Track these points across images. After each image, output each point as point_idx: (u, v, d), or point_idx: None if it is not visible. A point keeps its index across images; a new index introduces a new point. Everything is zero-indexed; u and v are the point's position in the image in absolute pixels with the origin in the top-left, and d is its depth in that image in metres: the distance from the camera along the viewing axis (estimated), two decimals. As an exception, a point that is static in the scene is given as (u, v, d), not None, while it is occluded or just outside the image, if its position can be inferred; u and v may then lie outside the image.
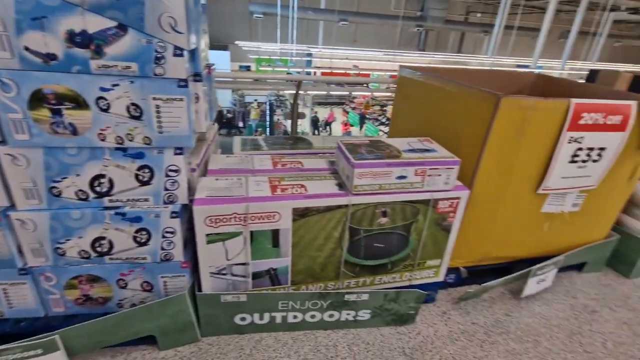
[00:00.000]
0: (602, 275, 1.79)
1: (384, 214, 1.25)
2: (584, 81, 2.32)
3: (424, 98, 1.70)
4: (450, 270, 1.58)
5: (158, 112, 0.99)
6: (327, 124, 14.23)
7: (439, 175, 1.24)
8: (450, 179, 1.26)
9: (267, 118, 12.53)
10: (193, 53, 1.08)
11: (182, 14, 0.90)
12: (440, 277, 1.47)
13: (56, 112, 0.94)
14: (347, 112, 14.65)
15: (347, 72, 15.32)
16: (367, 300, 1.30)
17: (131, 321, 1.15)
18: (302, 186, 1.23)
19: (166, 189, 1.11)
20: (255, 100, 14.84)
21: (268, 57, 13.04)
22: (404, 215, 1.27)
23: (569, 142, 1.33)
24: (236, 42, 16.53)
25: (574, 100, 1.27)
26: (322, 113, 15.38)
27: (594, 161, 1.40)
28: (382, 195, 1.22)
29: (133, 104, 0.97)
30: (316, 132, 13.24)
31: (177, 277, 1.22)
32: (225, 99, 15.71)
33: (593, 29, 16.37)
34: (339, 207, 1.19)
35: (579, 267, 1.81)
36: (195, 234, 1.11)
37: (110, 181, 1.06)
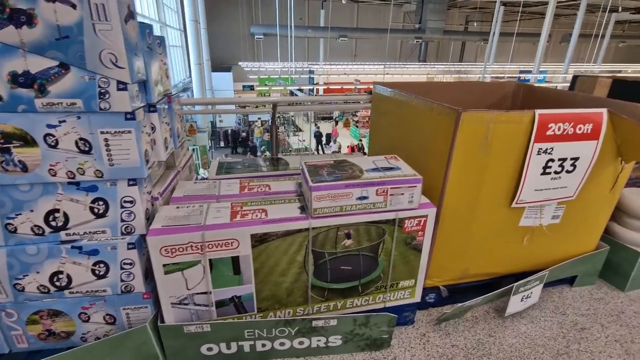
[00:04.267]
0: (595, 288, 1.71)
1: (348, 236, 1.23)
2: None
3: (395, 114, 1.69)
4: (431, 289, 1.53)
5: (107, 145, 1.00)
6: (332, 139, 14.28)
7: (402, 194, 1.21)
8: (414, 197, 1.23)
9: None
10: (144, 85, 1.10)
11: (122, 50, 0.91)
12: (417, 298, 1.42)
13: (5, 151, 0.95)
14: (350, 127, 14.72)
15: (348, 87, 15.50)
16: (336, 325, 1.26)
17: (93, 356, 1.14)
18: (263, 211, 1.22)
19: (123, 220, 1.11)
20: (259, 118, 15.09)
21: (267, 77, 13.32)
22: (369, 236, 1.24)
23: (539, 154, 1.29)
24: (239, 63, 17.00)
25: (538, 111, 1.24)
26: (326, 128, 15.48)
27: (568, 172, 1.36)
28: (344, 217, 1.19)
29: (82, 139, 0.98)
30: (319, 147, 13.30)
31: (140, 308, 1.20)
32: (230, 118, 16.06)
33: (596, 30, 16.28)
34: (299, 231, 1.17)
35: (571, 281, 1.73)
36: (152, 265, 1.10)
37: (65, 215, 1.06)
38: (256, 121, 15.03)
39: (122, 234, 1.13)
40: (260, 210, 1.22)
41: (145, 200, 1.15)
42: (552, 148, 1.29)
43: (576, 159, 1.34)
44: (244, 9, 18.38)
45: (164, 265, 1.11)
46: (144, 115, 1.08)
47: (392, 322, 1.29)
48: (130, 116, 0.99)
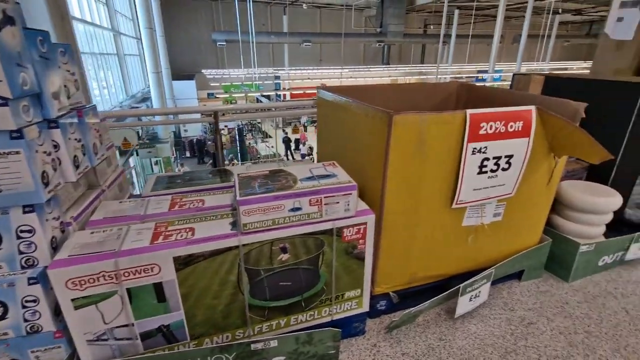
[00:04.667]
0: (542, 281, 1.74)
1: (284, 250, 1.16)
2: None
3: (337, 119, 1.65)
4: (381, 297, 1.49)
5: (-9, 169, 0.87)
6: (300, 144, 14.20)
7: (337, 202, 1.16)
8: (350, 204, 1.18)
9: (237, 144, 12.43)
10: (39, 98, 0.98)
11: (-4, 60, 0.80)
12: (365, 307, 1.37)
13: None
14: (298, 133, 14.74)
15: (311, 92, 15.56)
16: (277, 346, 1.18)
17: (-6, 410, 0.99)
18: (191, 230, 1.12)
19: (21, 252, 0.98)
20: (226, 126, 14.74)
21: (231, 84, 13.07)
22: (306, 248, 1.18)
23: (473, 154, 1.29)
24: (202, 71, 16.59)
25: (469, 111, 1.23)
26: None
27: (504, 170, 1.36)
28: (277, 230, 1.12)
29: (-43, 164, 0.85)
30: (289, 153, 13.19)
31: (52, 349, 1.06)
32: (196, 127, 15.54)
33: (542, 31, 17.38)
34: (229, 249, 1.09)
35: (519, 276, 1.75)
36: (59, 301, 0.97)
37: (-53, 252, 0.92)
38: (222, 129, 14.67)
39: (22, 267, 0.99)
40: (187, 229, 1.12)
41: (51, 227, 1.02)
42: (486, 147, 1.29)
43: (510, 156, 1.35)
44: (204, 15, 18.02)
45: (72, 300, 0.98)
46: (39, 132, 0.96)
47: (337, 336, 1.23)
48: (16, 134, 0.87)
